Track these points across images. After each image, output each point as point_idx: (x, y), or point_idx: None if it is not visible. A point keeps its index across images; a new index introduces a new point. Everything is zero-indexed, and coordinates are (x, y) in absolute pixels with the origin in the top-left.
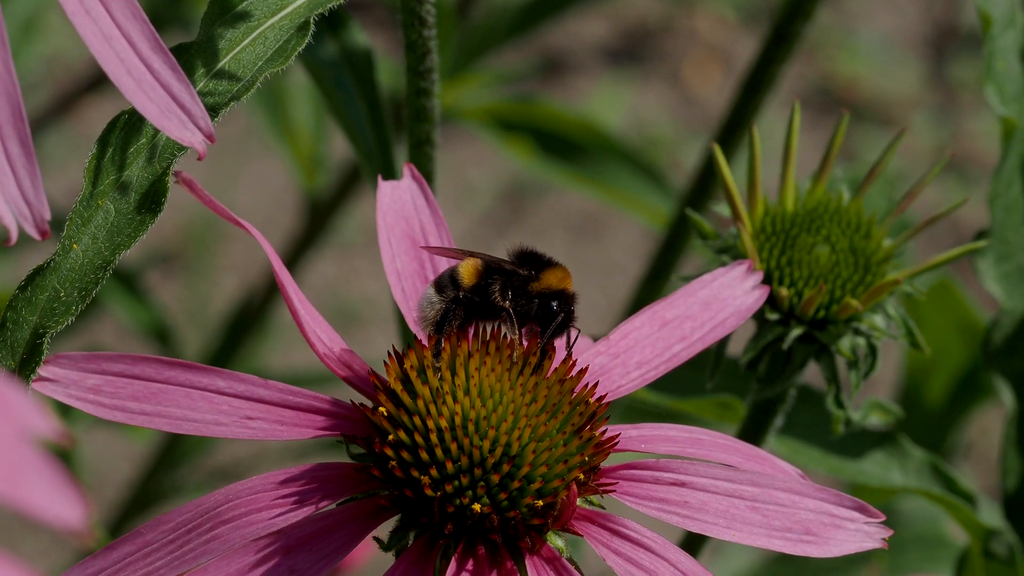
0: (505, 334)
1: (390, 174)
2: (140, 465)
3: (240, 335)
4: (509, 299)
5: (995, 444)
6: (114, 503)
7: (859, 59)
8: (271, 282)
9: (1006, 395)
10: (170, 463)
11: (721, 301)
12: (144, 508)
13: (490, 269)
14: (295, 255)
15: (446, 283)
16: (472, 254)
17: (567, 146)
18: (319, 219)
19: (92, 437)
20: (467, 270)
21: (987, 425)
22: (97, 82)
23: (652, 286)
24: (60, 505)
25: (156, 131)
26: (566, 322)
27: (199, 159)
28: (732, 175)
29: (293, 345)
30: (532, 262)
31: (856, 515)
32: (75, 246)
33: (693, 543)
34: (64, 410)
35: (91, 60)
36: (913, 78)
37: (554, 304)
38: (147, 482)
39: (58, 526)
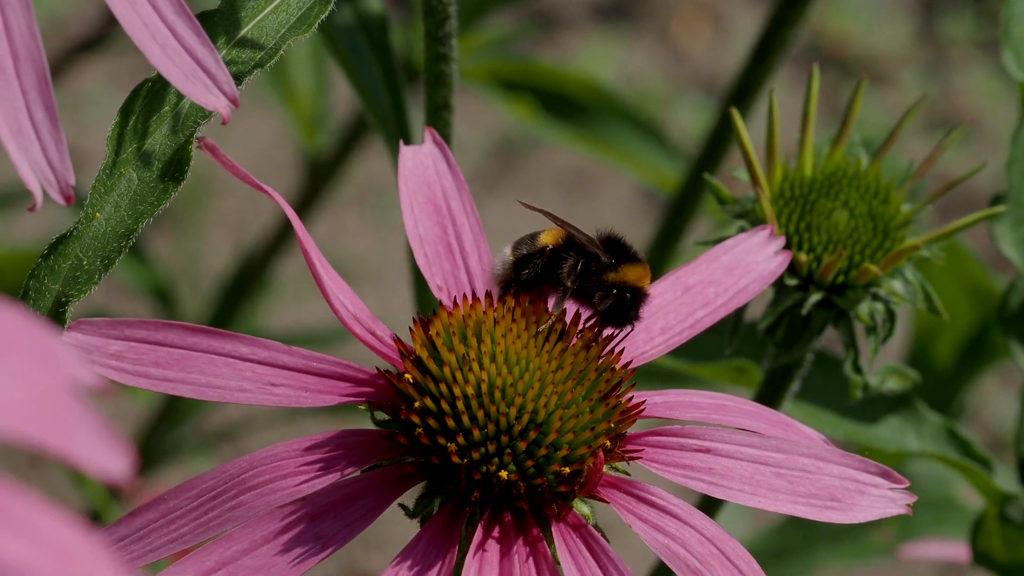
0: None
1: (406, 137)
2: (138, 426)
3: (238, 294)
4: (575, 279)
5: (996, 409)
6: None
7: (848, 16)
8: (268, 241)
9: (1021, 360)
10: (168, 424)
11: (744, 266)
12: (143, 468)
13: (571, 243)
14: (296, 212)
15: (524, 244)
16: (561, 223)
17: (568, 105)
18: (317, 179)
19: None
20: (548, 237)
21: (989, 390)
22: (90, 42)
23: (662, 250)
24: (106, 456)
25: (179, 99)
26: (630, 319)
27: (223, 123)
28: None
29: (289, 302)
30: (617, 250)
31: (880, 481)
32: (98, 214)
33: (707, 508)
34: None
35: (83, 20)
36: (903, 35)
37: (627, 297)
38: (146, 443)
39: (103, 477)
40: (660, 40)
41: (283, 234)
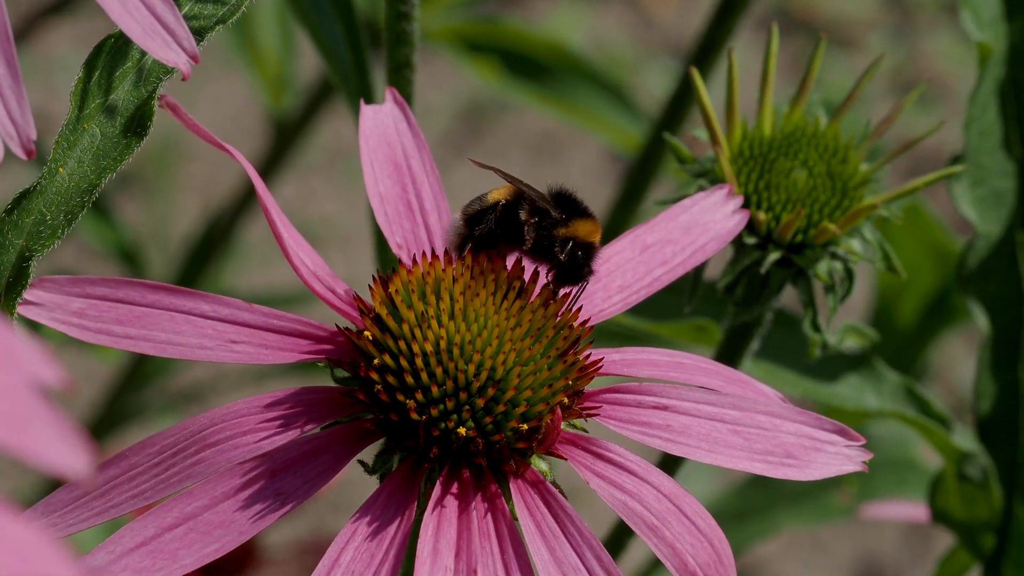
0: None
1: (367, 97)
2: (105, 386)
3: (205, 256)
4: (532, 235)
5: (961, 371)
6: (79, 424)
7: None
8: (234, 203)
9: (980, 319)
10: (135, 385)
11: (702, 225)
12: (110, 429)
13: (521, 199)
14: (263, 175)
15: (475, 202)
16: (511, 179)
17: (534, 67)
18: (284, 141)
19: (58, 357)
20: (498, 194)
21: (955, 352)
22: (58, 4)
23: (624, 210)
24: (66, 455)
25: (142, 55)
26: (584, 274)
27: (183, 80)
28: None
29: (255, 266)
30: (567, 206)
31: (836, 438)
32: (61, 169)
33: (668, 467)
34: (34, 328)
35: None
36: None
37: (579, 254)
38: (112, 403)
39: (63, 474)
40: (629, 5)
41: (250, 197)
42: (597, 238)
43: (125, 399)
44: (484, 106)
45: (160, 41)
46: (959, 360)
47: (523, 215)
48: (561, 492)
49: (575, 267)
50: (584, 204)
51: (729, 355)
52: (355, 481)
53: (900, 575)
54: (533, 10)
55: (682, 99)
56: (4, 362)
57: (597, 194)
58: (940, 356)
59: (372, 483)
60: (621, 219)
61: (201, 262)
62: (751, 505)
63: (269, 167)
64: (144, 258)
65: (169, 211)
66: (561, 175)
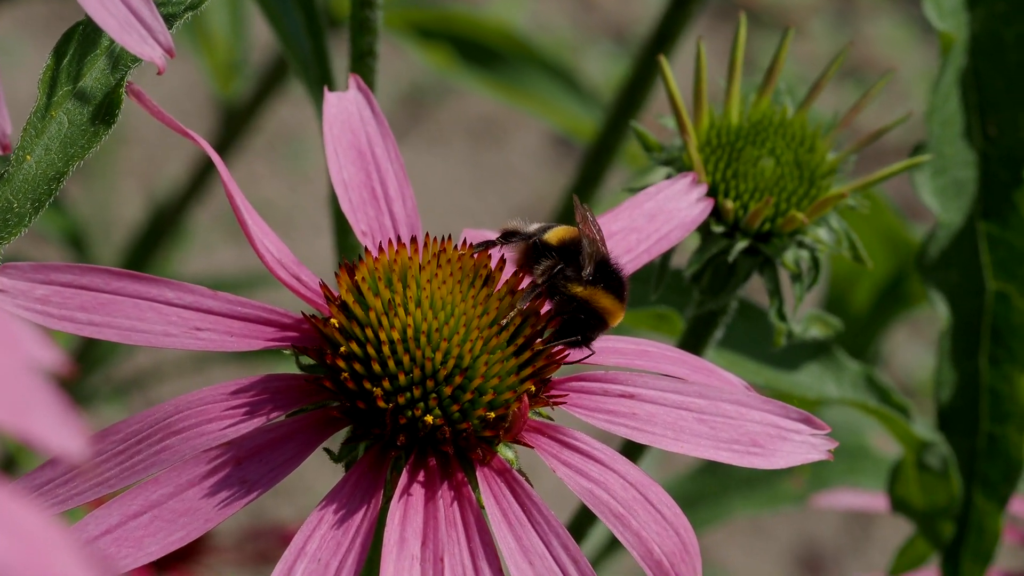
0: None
1: (327, 85)
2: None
3: (152, 243)
4: (547, 279)
5: (905, 358)
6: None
7: None
8: (180, 190)
9: (940, 308)
10: (84, 370)
11: (666, 213)
12: None
13: (570, 248)
14: (208, 161)
15: (521, 230)
16: (588, 227)
17: (485, 53)
18: (232, 126)
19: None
20: (555, 235)
21: (900, 339)
22: None
23: (580, 197)
24: (63, 436)
25: (111, 42)
26: (579, 340)
27: (159, 73)
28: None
29: (199, 253)
30: (607, 277)
31: (802, 427)
32: (28, 157)
33: (631, 456)
34: None
35: None
36: None
37: (581, 316)
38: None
39: (60, 454)
40: None
41: (195, 184)
42: (613, 321)
43: (71, 387)
44: (425, 91)
45: (136, 36)
46: (903, 347)
47: (552, 261)
48: (527, 480)
49: (573, 326)
50: (625, 291)
51: (693, 343)
52: (299, 468)
53: (840, 561)
54: None
55: (639, 86)
56: (3, 343)
57: (540, 180)
58: (887, 343)
59: (318, 470)
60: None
61: (147, 248)
62: (703, 491)
63: (218, 152)
64: (91, 244)
65: (110, 196)
66: (502, 160)
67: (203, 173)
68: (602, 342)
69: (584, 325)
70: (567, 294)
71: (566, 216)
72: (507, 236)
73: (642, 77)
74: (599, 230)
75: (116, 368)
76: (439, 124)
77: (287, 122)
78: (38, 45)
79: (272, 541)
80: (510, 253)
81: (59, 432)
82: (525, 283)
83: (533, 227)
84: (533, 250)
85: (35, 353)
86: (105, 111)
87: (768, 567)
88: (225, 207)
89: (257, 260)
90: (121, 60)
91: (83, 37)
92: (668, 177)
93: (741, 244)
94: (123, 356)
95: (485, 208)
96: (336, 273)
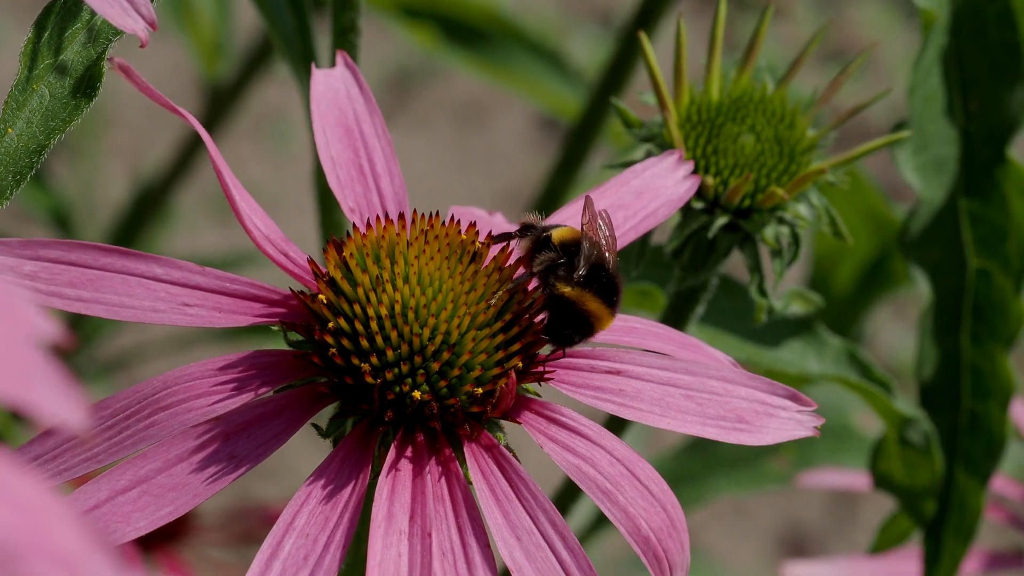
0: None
1: (312, 61)
2: None
3: (137, 223)
4: (540, 272)
5: (888, 338)
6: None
7: None
8: (165, 171)
9: (922, 285)
10: (63, 351)
11: (653, 190)
12: None
13: (571, 248)
14: (193, 142)
15: (537, 225)
16: (593, 229)
17: (471, 33)
18: (217, 107)
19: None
20: (561, 232)
21: (883, 320)
22: None
23: (563, 176)
24: (64, 407)
25: (92, 15)
26: (564, 340)
27: (141, 46)
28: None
29: (184, 233)
30: (601, 283)
31: (788, 403)
32: (10, 130)
33: (617, 432)
34: None
35: None
36: None
37: (575, 325)
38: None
39: (60, 426)
40: None
41: (180, 164)
42: (600, 326)
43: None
44: (411, 72)
45: (118, 8)
46: (886, 327)
47: (553, 259)
48: (515, 456)
49: (558, 324)
50: (617, 298)
51: (675, 319)
52: (282, 448)
53: (824, 542)
54: None
55: (622, 65)
56: (5, 315)
57: (524, 162)
58: (870, 323)
59: (303, 451)
60: (560, 185)
61: (133, 228)
62: (687, 471)
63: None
64: (76, 223)
65: (95, 176)
66: (488, 142)
67: (188, 153)
68: None
69: (567, 324)
70: (554, 292)
71: (546, 199)
72: (524, 229)
73: (625, 57)
74: (610, 236)
75: (100, 348)
76: (425, 106)
77: (272, 103)
78: (23, 27)
79: (257, 521)
80: (521, 244)
81: (60, 403)
82: (520, 272)
83: (550, 222)
84: (538, 244)
85: (36, 324)
86: (87, 84)
87: (752, 549)
88: (210, 188)
89: (243, 240)
90: (102, 33)
91: (64, 10)
92: (649, 154)
93: (721, 220)
94: (108, 336)
95: (470, 190)
96: (324, 250)
